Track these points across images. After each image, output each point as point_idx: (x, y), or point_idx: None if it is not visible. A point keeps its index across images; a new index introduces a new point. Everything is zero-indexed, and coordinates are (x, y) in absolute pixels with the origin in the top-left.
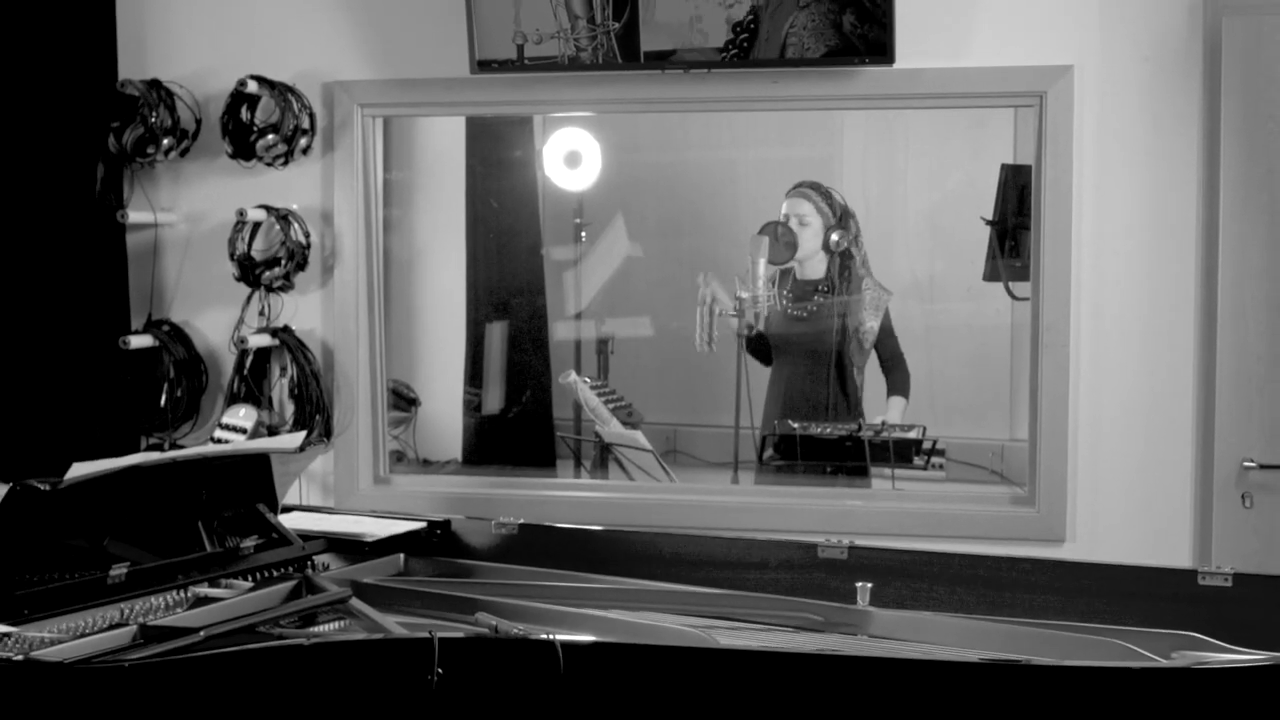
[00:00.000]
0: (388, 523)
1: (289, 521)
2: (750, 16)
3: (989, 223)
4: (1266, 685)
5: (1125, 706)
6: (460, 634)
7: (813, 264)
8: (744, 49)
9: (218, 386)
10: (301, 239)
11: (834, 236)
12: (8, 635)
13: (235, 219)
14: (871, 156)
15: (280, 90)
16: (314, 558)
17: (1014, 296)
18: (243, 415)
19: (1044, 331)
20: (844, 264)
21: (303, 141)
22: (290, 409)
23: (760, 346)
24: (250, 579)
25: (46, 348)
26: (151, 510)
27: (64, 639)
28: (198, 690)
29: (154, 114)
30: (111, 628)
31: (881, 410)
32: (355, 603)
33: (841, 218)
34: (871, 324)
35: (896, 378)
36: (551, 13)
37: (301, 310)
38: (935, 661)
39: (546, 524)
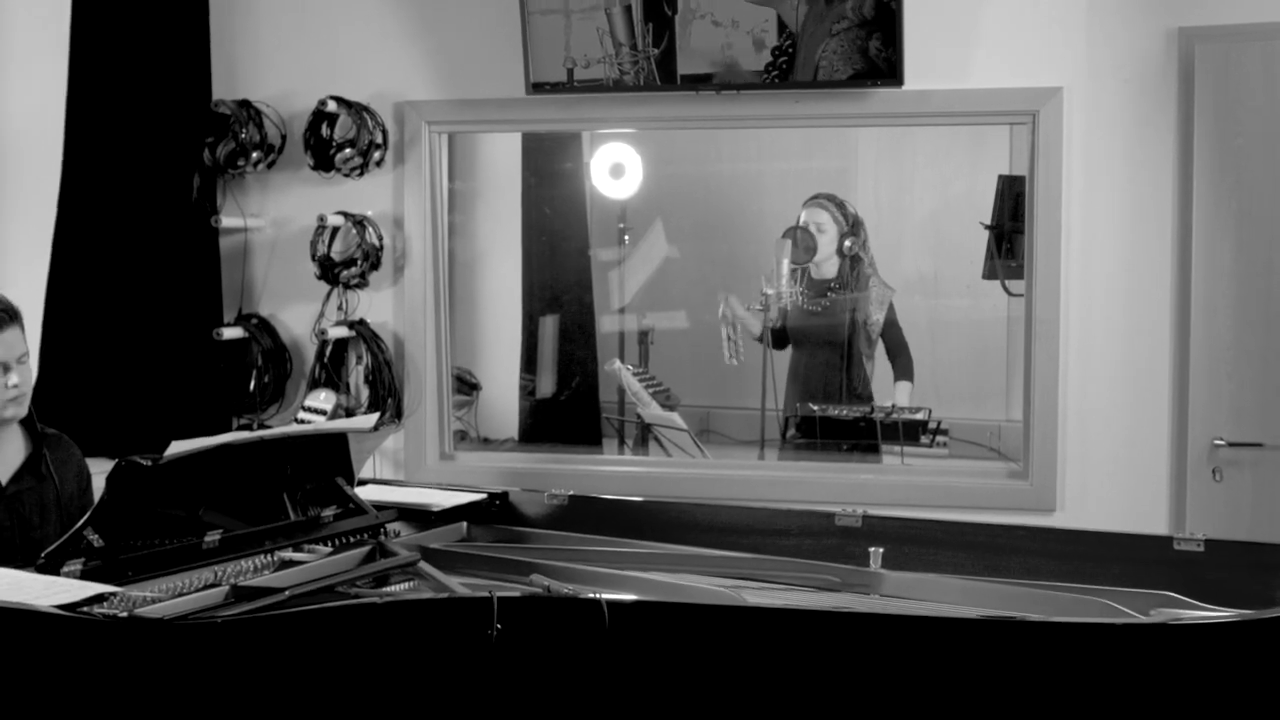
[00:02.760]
0: (452, 494)
1: (364, 493)
2: (788, 42)
3: (987, 227)
4: (1235, 639)
5: (1109, 658)
6: (517, 593)
7: (827, 265)
8: (784, 71)
9: (301, 373)
10: (375, 242)
11: (847, 242)
12: (113, 594)
13: (316, 224)
14: (883, 168)
15: (356, 109)
16: (386, 525)
17: (1010, 293)
18: (323, 399)
19: (1036, 324)
20: (854, 266)
21: (376, 155)
22: (365, 393)
23: (778, 337)
24: (330, 544)
25: (148, 339)
26: (242, 483)
27: (163, 598)
28: (283, 644)
29: (244, 130)
30: (206, 588)
31: (889, 392)
32: (423, 565)
33: (854, 226)
34: (877, 317)
35: (900, 364)
36: (598, 40)
37: (375, 305)
38: (940, 618)
39: (593, 495)
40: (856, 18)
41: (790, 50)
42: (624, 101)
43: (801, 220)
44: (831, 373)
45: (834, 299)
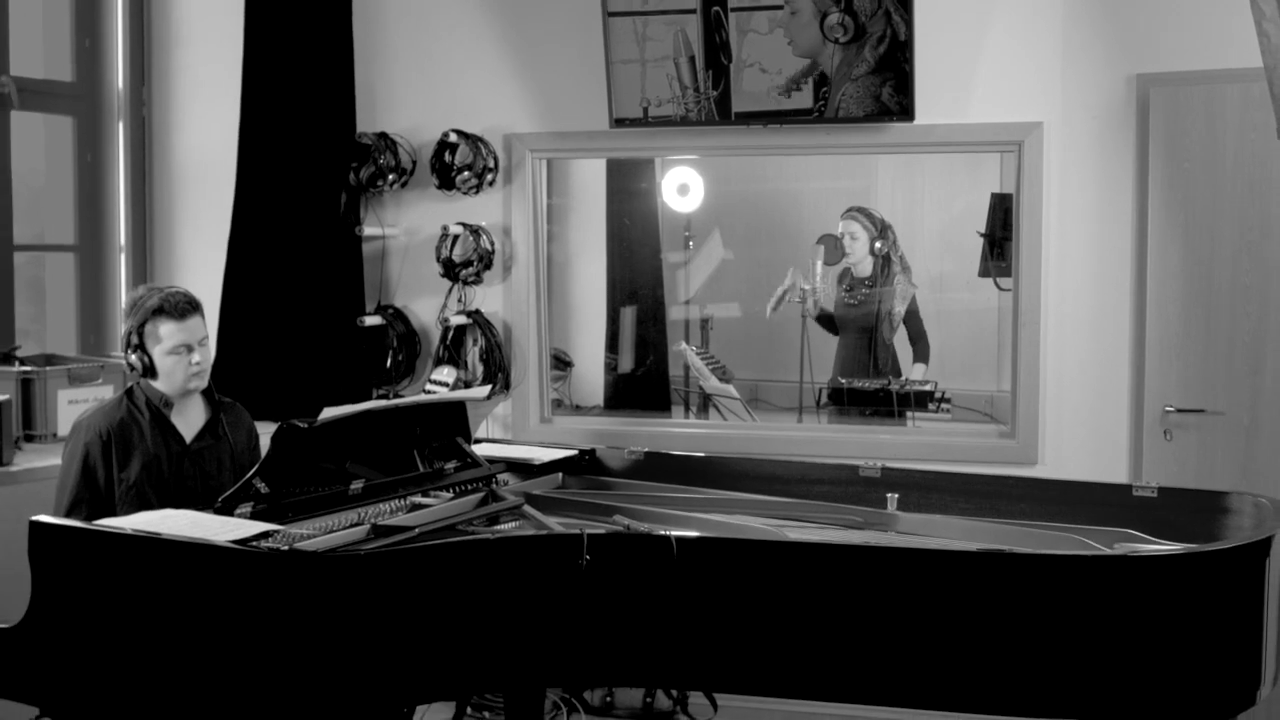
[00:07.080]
0: (550, 451)
1: (479, 450)
2: (826, 88)
3: (982, 235)
4: (1182, 568)
5: (1081, 583)
6: (602, 531)
7: (863, 265)
8: (821, 110)
9: (428, 353)
10: (488, 247)
11: (878, 245)
12: (277, 532)
13: (440, 232)
14: (898, 187)
15: (473, 140)
16: (497, 476)
17: (1000, 288)
18: (446, 374)
19: (1021, 313)
20: (886, 265)
21: (489, 177)
22: (480, 369)
23: (829, 324)
24: (451, 491)
25: (305, 325)
26: (380, 442)
27: (317, 535)
28: (415, 572)
29: (382, 157)
30: (351, 526)
31: (910, 370)
32: (527, 508)
33: (883, 230)
34: (899, 309)
35: (919, 349)
36: (668, 84)
37: (488, 298)
38: (944, 550)
39: (664, 452)
40: (874, 63)
41: (826, 94)
42: (689, 134)
43: (839, 230)
44: (863, 353)
45: (867, 293)
